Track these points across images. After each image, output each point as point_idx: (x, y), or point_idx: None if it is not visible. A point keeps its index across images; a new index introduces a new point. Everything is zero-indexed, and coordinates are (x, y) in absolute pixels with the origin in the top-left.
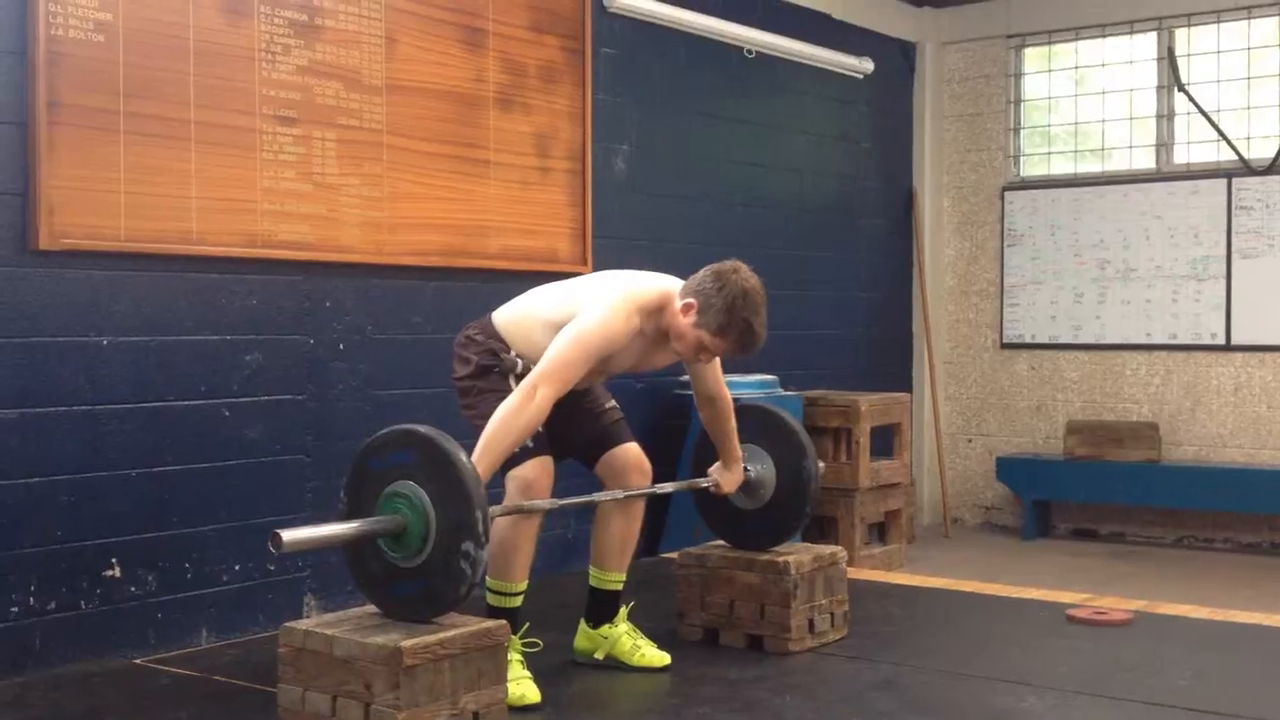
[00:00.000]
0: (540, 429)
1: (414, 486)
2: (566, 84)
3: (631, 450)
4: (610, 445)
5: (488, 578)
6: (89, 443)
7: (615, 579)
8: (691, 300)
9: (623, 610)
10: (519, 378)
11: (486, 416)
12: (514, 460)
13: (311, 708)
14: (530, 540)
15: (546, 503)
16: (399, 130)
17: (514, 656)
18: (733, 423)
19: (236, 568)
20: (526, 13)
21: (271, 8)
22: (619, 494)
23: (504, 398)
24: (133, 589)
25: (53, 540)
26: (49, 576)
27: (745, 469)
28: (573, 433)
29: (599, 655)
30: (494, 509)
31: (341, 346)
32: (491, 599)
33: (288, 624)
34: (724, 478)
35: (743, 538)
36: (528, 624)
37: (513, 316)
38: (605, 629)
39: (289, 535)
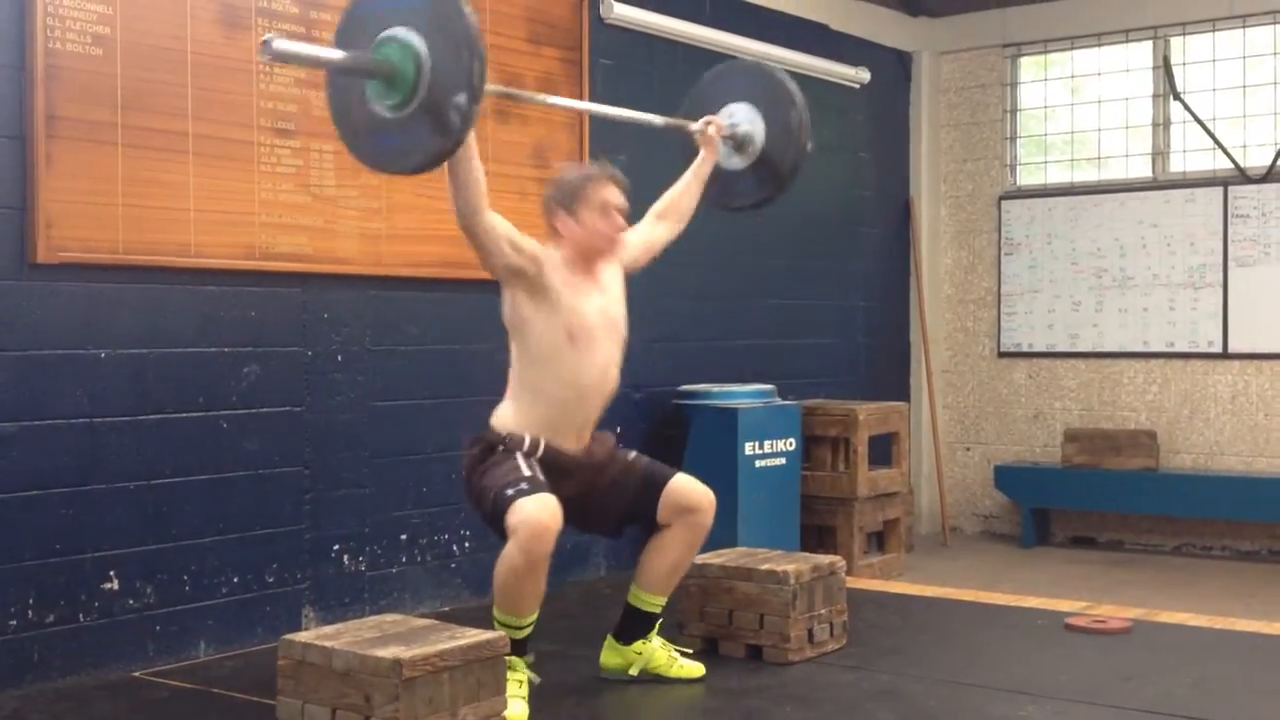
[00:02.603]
0: (542, 479)
1: (410, 33)
2: (564, 95)
3: (685, 479)
4: (660, 486)
5: (496, 610)
6: (87, 455)
7: (656, 602)
8: (552, 211)
9: (655, 624)
10: (527, 454)
11: (492, 485)
12: (517, 494)
13: None
14: (542, 579)
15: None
16: None
17: (512, 677)
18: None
19: (235, 580)
20: (524, 24)
21: (269, 20)
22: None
23: (512, 471)
24: (131, 601)
25: (51, 553)
26: (47, 589)
27: (734, 124)
28: (617, 503)
29: (633, 671)
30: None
31: (340, 358)
32: (500, 629)
33: (287, 636)
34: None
35: (736, 196)
36: (532, 657)
37: (500, 408)
38: (639, 645)
39: (280, 44)
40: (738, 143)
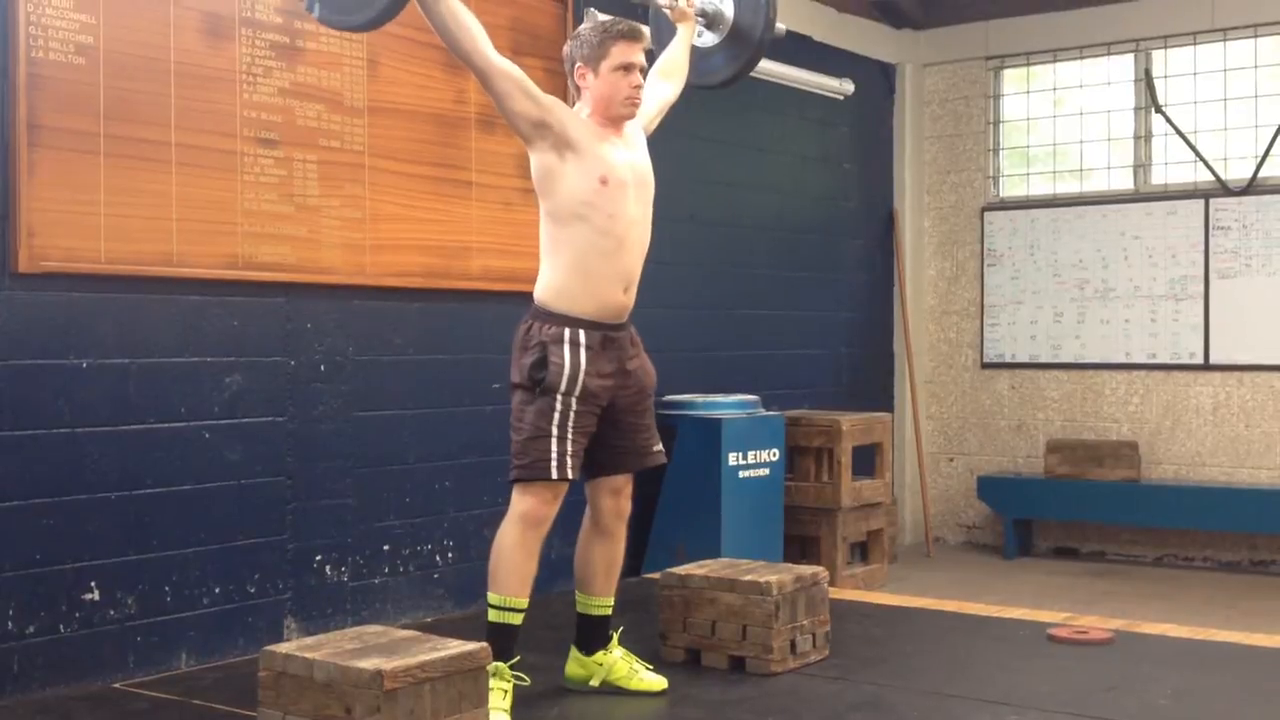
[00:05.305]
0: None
1: None
2: None
3: (629, 482)
4: (622, 470)
5: (490, 594)
6: (69, 465)
7: (602, 604)
8: (575, 68)
9: (614, 635)
10: (563, 396)
11: (526, 429)
12: (530, 474)
13: None
14: (533, 556)
15: None
16: (380, 152)
17: (496, 685)
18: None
19: (216, 590)
20: (508, 34)
21: (253, 30)
22: None
23: (546, 415)
24: (112, 612)
25: (31, 563)
26: (28, 600)
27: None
28: (615, 445)
29: (594, 683)
30: None
31: (323, 368)
32: (492, 614)
33: (268, 647)
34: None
35: (708, 74)
36: (519, 657)
37: (542, 278)
38: (600, 655)
39: None
40: (708, 20)
